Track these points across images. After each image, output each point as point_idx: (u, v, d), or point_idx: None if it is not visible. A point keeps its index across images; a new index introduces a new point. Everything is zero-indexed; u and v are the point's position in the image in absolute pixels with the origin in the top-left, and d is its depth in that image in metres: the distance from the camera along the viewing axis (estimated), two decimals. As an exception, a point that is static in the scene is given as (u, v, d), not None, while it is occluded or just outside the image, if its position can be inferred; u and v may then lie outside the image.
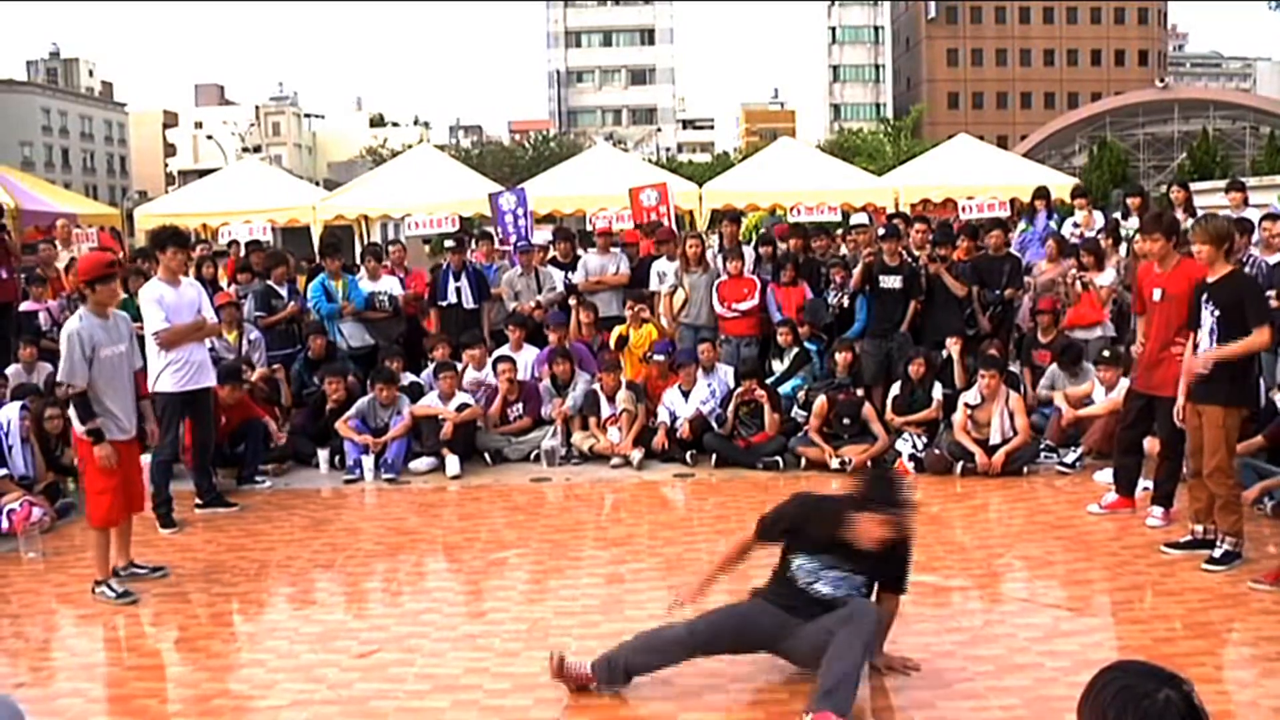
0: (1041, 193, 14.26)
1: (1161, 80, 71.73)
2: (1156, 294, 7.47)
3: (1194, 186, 14.64)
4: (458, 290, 12.00)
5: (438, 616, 6.26)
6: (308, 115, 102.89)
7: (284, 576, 7.18)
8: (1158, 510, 7.77)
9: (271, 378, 11.10)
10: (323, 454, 10.18)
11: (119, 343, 7.00)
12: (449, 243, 12.98)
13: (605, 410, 10.39)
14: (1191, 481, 7.21)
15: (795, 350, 11.08)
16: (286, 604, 6.77)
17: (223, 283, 13.15)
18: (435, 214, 16.80)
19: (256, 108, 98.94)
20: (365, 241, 18.12)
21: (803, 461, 9.82)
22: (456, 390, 10.35)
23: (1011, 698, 5.06)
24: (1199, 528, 7.10)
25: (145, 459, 8.41)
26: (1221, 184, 14.77)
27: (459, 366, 10.76)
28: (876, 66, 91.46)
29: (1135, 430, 7.98)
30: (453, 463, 9.86)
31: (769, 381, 10.67)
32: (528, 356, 11.24)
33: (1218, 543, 6.86)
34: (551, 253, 13.33)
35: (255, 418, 9.93)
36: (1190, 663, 5.49)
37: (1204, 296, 6.86)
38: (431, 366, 11.01)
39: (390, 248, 13.54)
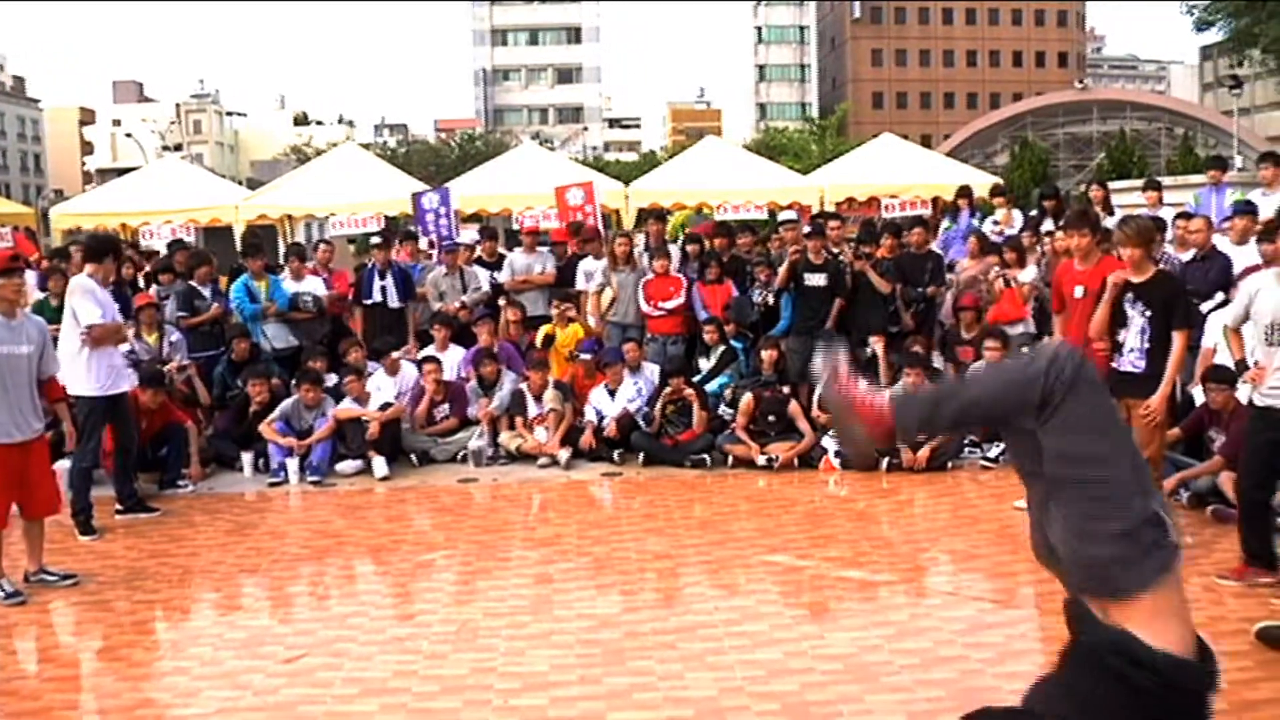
0: (964, 191, 14.46)
1: (1080, 82, 73.04)
2: (1078, 291, 7.61)
3: (1112, 185, 14.91)
4: (383, 289, 11.91)
5: (365, 620, 6.22)
6: (230, 113, 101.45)
7: (208, 582, 7.09)
8: None
9: (188, 377, 10.92)
10: (246, 457, 10.06)
11: (20, 344, 6.84)
12: (374, 240, 12.89)
13: (532, 410, 10.38)
14: None
15: (722, 348, 11.14)
16: (211, 610, 6.69)
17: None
18: (360, 213, 16.63)
19: (177, 105, 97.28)
20: (289, 241, 17.91)
21: (730, 459, 9.89)
22: (366, 391, 10.27)
23: (937, 690, 5.14)
24: None
25: (64, 464, 8.28)
26: (1138, 183, 15.09)
27: (371, 368, 10.69)
28: (802, 66, 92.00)
29: None
30: (379, 464, 9.79)
31: (696, 380, 10.72)
32: (454, 357, 11.19)
33: None
34: (477, 252, 13.28)
35: (177, 421, 9.78)
36: (1109, 651, 5.60)
37: (1130, 296, 7.00)
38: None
39: (319, 247, 13.40)
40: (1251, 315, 6.40)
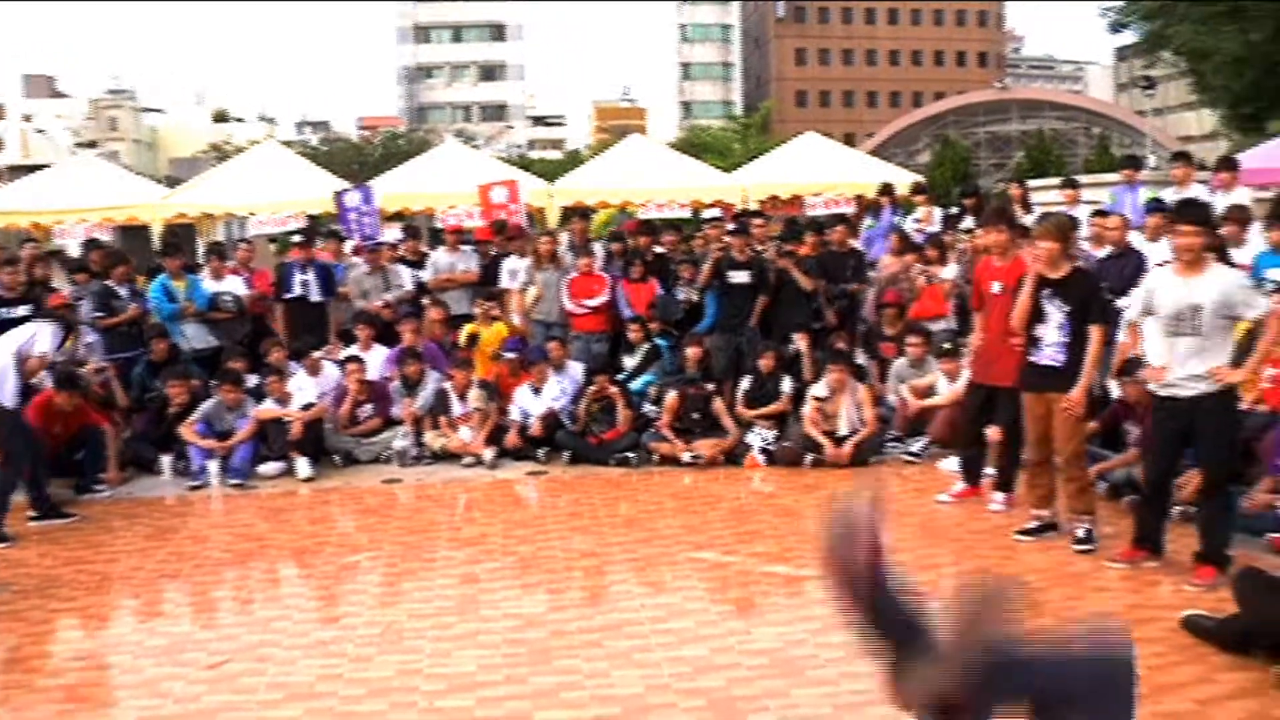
0: (886, 189, 14.64)
1: (1000, 81, 74.20)
2: (995, 287, 7.77)
3: (1030, 184, 15.18)
4: (304, 283, 11.81)
5: (289, 624, 6.15)
6: (146, 110, 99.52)
7: (127, 589, 6.96)
8: (999, 496, 8.09)
9: (105, 379, 10.72)
10: (166, 460, 9.91)
11: None
12: (296, 237, 12.76)
13: (457, 409, 10.34)
14: (1032, 469, 7.50)
15: (646, 346, 11.17)
16: (130, 617, 6.58)
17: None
18: (281, 212, 16.41)
19: (92, 101, 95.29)
20: (208, 240, 17.64)
21: (655, 457, 9.91)
22: (288, 392, 10.16)
23: (862, 682, 5.17)
24: (1044, 512, 7.41)
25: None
26: (1056, 181, 15.36)
27: (292, 368, 10.58)
28: (726, 65, 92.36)
29: (978, 421, 8.29)
30: (303, 465, 9.69)
31: (620, 378, 10.75)
32: (377, 357, 11.10)
33: (1075, 525, 7.20)
34: (401, 250, 13.18)
35: (94, 424, 9.60)
36: (1032, 641, 5.71)
37: (1047, 291, 7.10)
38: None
39: (239, 246, 13.22)
40: (1153, 309, 6.55)
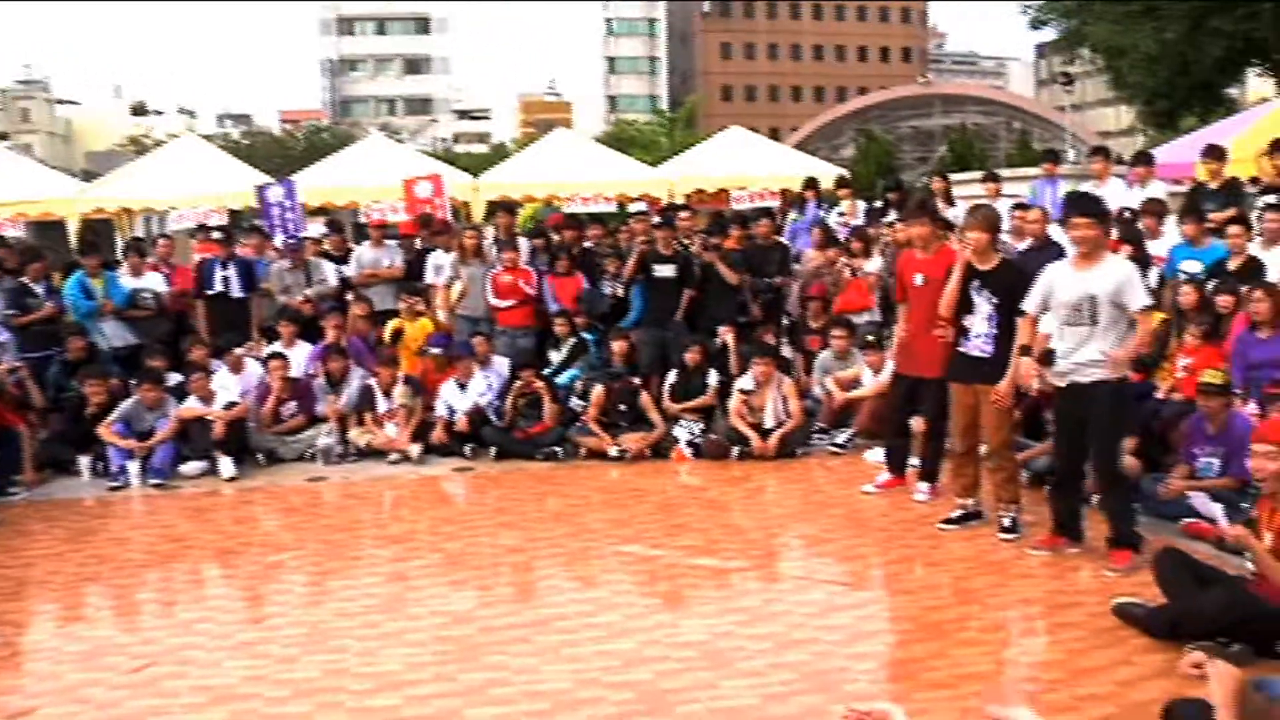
0: (811, 183, 14.75)
1: (923, 76, 75.06)
2: (918, 279, 7.86)
3: (953, 177, 15.38)
4: (225, 279, 11.64)
5: (213, 625, 6.06)
6: (61, 101, 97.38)
7: (44, 593, 6.82)
8: (924, 486, 8.21)
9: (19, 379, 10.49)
10: (84, 461, 9.72)
11: None
12: (216, 234, 12.58)
13: (382, 405, 10.26)
14: (958, 459, 7.58)
15: (572, 341, 11.15)
16: (49, 622, 6.45)
17: None
18: (202, 207, 16.18)
19: (2, 92, 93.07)
20: (127, 236, 17.33)
21: (582, 451, 9.91)
22: (211, 390, 10.02)
23: (790, 673, 5.25)
24: (969, 501, 7.52)
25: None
26: (978, 175, 15.57)
27: (214, 365, 10.44)
28: (652, 59, 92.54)
29: (903, 412, 8.39)
30: (226, 465, 9.55)
31: (547, 372, 10.73)
32: (300, 353, 10.97)
33: (1001, 513, 7.31)
34: (324, 245, 13.05)
35: (8, 425, 9.39)
36: (956, 627, 5.83)
37: (976, 283, 7.19)
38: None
39: (158, 242, 12.99)
40: (1050, 302, 6.65)
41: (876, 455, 9.08)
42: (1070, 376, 6.57)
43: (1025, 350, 6.74)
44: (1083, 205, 6.74)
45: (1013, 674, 5.34)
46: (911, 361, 8.05)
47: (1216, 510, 5.51)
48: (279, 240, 13.46)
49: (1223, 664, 3.72)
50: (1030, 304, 6.76)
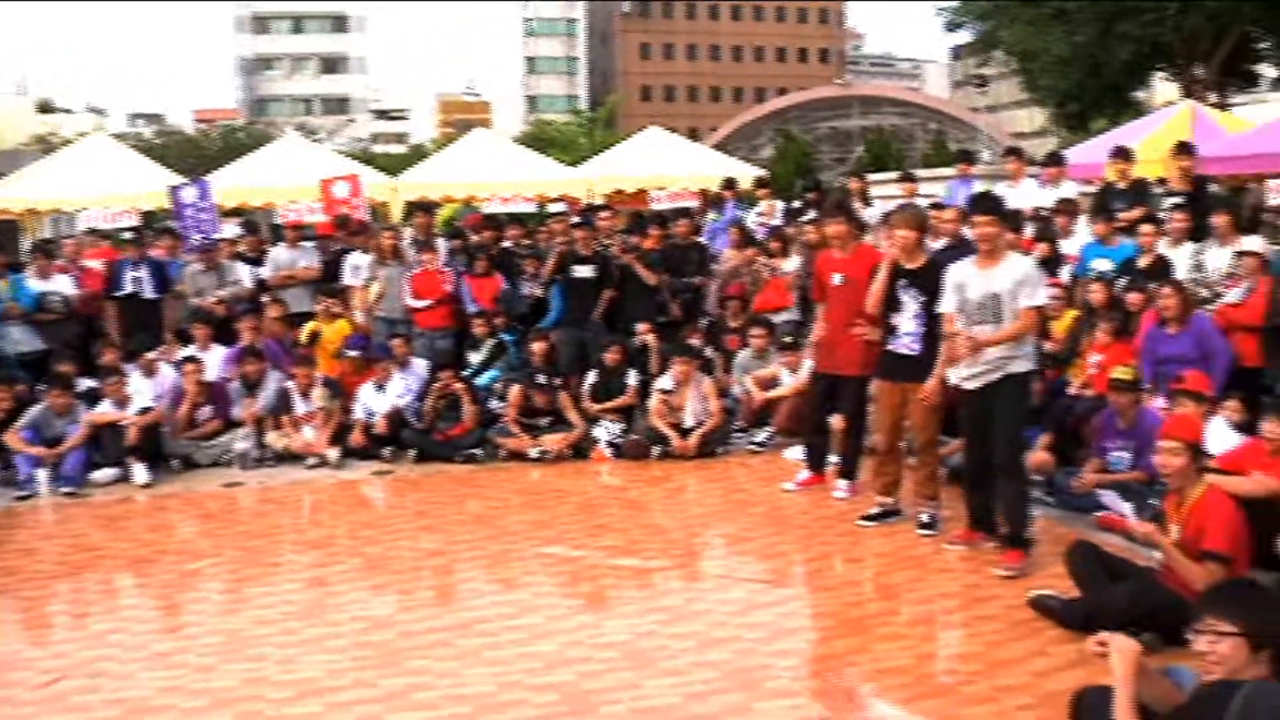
0: (729, 184, 14.85)
1: (841, 78, 75.76)
2: (836, 278, 7.91)
3: (870, 177, 15.56)
4: (136, 280, 11.43)
5: (126, 636, 5.93)
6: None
7: (-51, 604, 6.65)
8: (843, 483, 8.27)
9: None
10: (-10, 469, 9.48)
11: None
12: (126, 234, 12.35)
13: (300, 408, 10.12)
14: (880, 457, 7.67)
15: (492, 342, 11.10)
16: (-47, 634, 6.28)
17: None
18: (113, 207, 15.82)
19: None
20: (35, 237, 16.93)
21: (502, 453, 9.86)
22: (127, 394, 9.82)
23: (712, 671, 5.28)
24: (889, 500, 7.59)
25: None
26: (895, 175, 15.80)
27: (128, 370, 10.23)
28: (571, 59, 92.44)
29: (822, 410, 8.45)
30: (139, 471, 9.36)
31: (466, 374, 10.66)
32: (215, 357, 10.80)
33: (920, 509, 7.40)
34: (240, 247, 12.86)
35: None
36: (877, 622, 5.91)
37: (903, 281, 7.25)
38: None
39: (64, 243, 12.71)
40: (957, 301, 6.74)
41: (796, 453, 9.15)
42: (978, 378, 6.64)
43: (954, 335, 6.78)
44: (984, 204, 6.84)
45: (932, 667, 5.41)
46: (830, 360, 8.11)
47: (1126, 508, 5.64)
48: (198, 238, 13.27)
49: (1122, 639, 3.81)
50: (947, 304, 6.83)
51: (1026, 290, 6.50)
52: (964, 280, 6.71)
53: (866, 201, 13.46)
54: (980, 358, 6.58)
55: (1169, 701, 3.88)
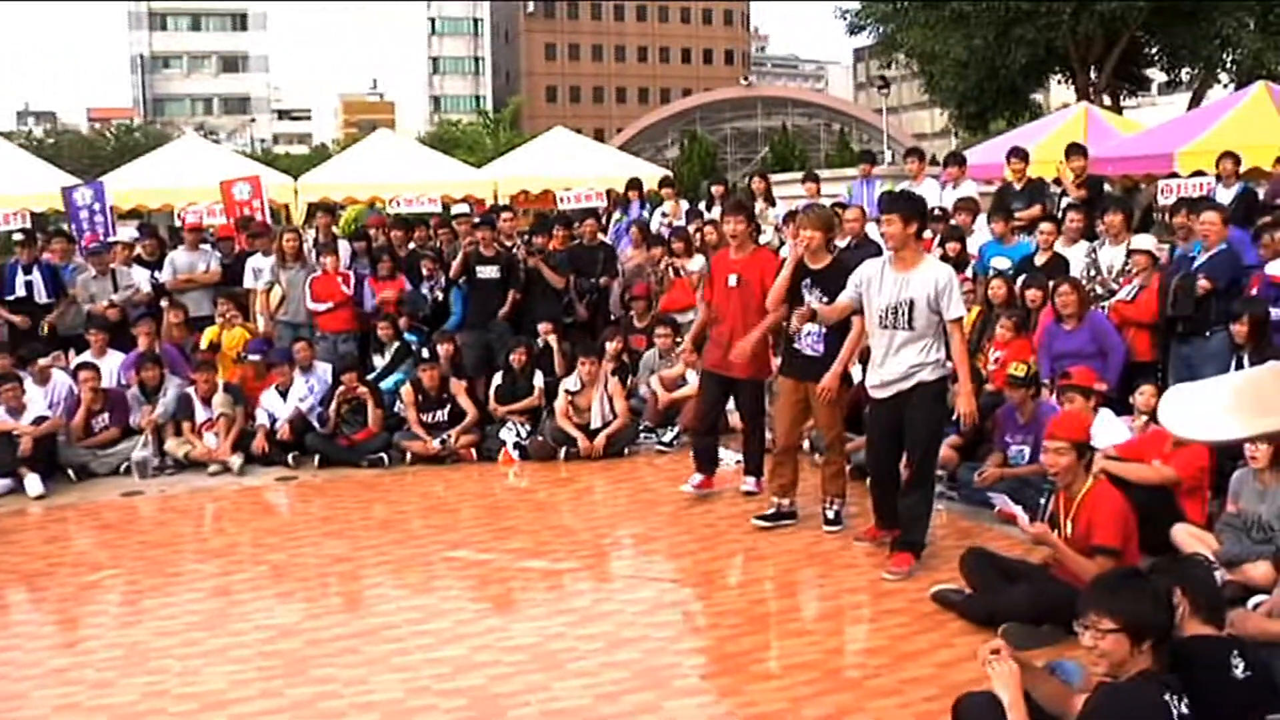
0: (634, 184, 14.87)
1: (746, 79, 76.51)
2: (732, 279, 7.77)
3: (774, 178, 15.70)
4: (28, 284, 11.13)
5: (19, 654, 5.76)
6: None
7: None
8: (750, 480, 8.27)
9: None
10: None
11: None
12: (17, 236, 12.01)
13: (201, 415, 9.93)
14: (777, 457, 7.62)
15: (396, 344, 11.00)
16: None
17: None
18: (2, 209, 15.40)
19: None
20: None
21: (408, 456, 9.78)
22: (23, 402, 9.55)
23: (622, 671, 5.30)
24: (784, 501, 7.59)
25: None
26: (799, 175, 15.96)
27: (23, 376, 9.95)
28: (476, 59, 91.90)
29: (715, 410, 8.28)
30: (33, 482, 9.08)
31: (371, 377, 10.54)
32: (112, 363, 10.55)
33: (826, 505, 7.44)
34: (137, 250, 12.58)
35: None
36: (784, 619, 5.99)
37: (808, 282, 7.18)
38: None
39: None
40: (865, 299, 6.67)
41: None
42: (889, 386, 6.60)
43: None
44: (893, 203, 6.84)
45: (839, 661, 5.48)
46: (724, 359, 7.81)
47: (1018, 509, 5.77)
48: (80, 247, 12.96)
49: (1001, 666, 3.87)
50: (845, 295, 6.76)
51: (946, 301, 6.42)
52: (874, 279, 6.60)
53: (770, 201, 13.58)
54: (888, 366, 6.57)
55: (1057, 701, 3.97)
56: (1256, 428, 0.87)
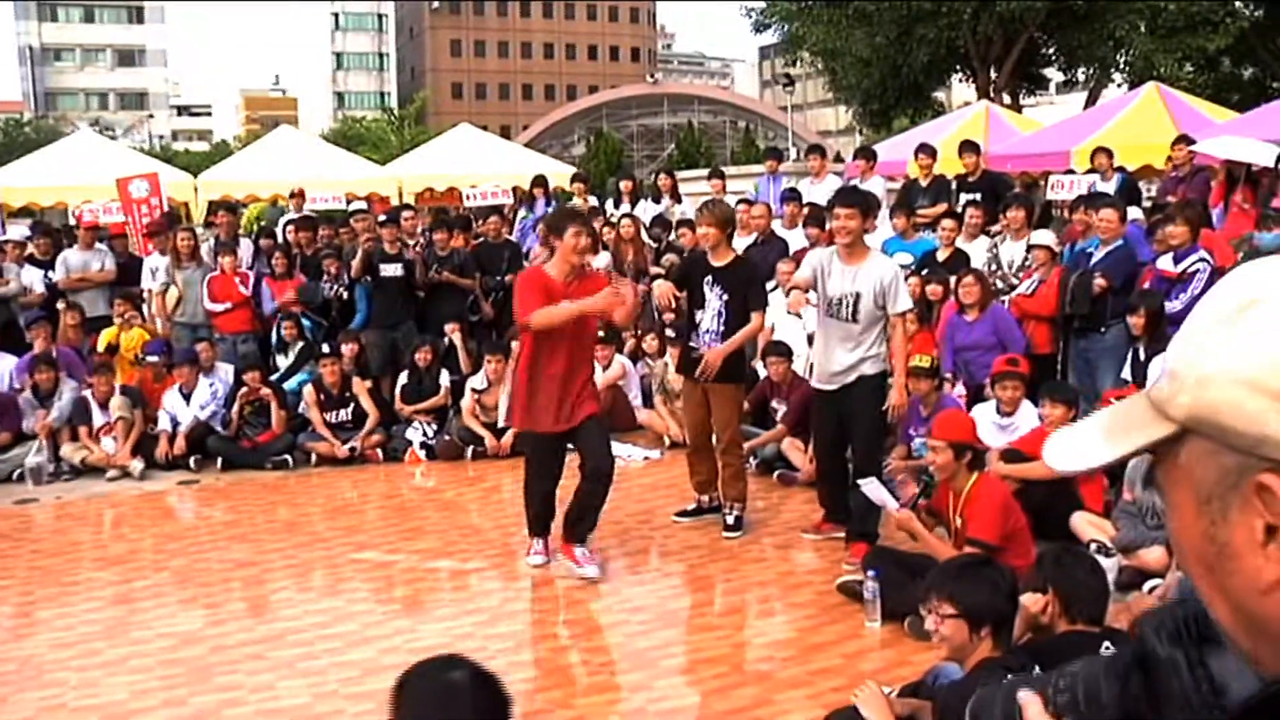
0: (540, 181, 14.82)
1: (652, 76, 76.73)
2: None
3: (681, 174, 15.77)
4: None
5: (-100, 671, 5.57)
6: None
7: None
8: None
9: None
10: None
11: None
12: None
13: (98, 419, 9.70)
14: (691, 455, 7.64)
15: (300, 344, 10.84)
16: None
17: None
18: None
19: None
20: None
21: (313, 457, 9.65)
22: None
23: (531, 669, 5.30)
24: (704, 497, 7.62)
25: None
26: (705, 172, 16.05)
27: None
28: (381, 55, 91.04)
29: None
30: (-80, 489, 8.84)
31: (274, 377, 10.38)
32: (3, 366, 10.26)
33: (726, 510, 7.38)
34: (29, 249, 12.24)
35: None
36: (694, 614, 6.01)
37: (709, 279, 7.16)
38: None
39: None
40: (812, 278, 6.72)
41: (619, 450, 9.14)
42: (834, 379, 6.67)
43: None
44: (847, 197, 6.92)
45: (748, 655, 5.52)
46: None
47: (888, 498, 5.89)
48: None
49: (864, 693, 3.95)
50: (800, 275, 6.85)
51: (892, 296, 6.51)
52: (824, 268, 6.64)
53: (677, 198, 13.63)
54: (834, 360, 6.64)
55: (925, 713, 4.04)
56: (1124, 447, 0.94)
